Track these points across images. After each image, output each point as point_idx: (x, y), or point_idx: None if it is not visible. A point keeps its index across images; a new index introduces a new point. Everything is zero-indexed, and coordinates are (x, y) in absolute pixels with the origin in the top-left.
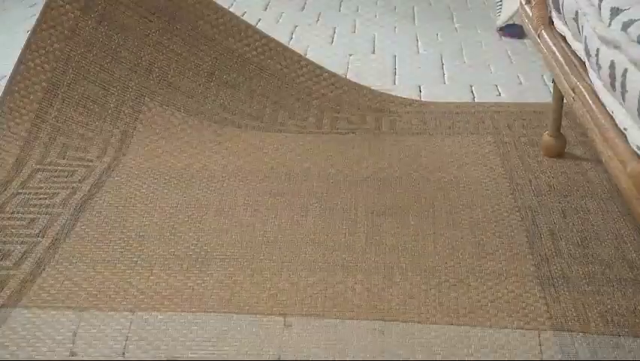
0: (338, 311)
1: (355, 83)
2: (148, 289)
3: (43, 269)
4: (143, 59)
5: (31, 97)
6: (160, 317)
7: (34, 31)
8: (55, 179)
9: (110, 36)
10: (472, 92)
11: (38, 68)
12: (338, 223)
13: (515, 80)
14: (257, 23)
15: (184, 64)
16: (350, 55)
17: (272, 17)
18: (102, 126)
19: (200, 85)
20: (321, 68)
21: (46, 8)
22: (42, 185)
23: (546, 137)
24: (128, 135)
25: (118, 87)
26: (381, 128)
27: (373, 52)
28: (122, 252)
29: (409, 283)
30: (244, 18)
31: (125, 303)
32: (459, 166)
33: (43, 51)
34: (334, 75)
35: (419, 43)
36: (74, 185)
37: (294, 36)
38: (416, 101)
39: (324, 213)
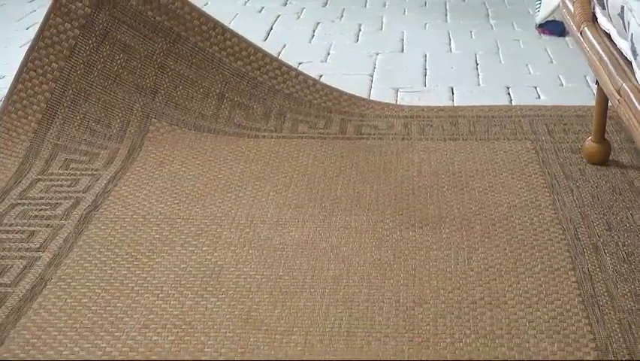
0: (363, 332)
1: (379, 101)
2: (158, 308)
3: (44, 286)
4: (147, 80)
5: (29, 117)
6: (171, 338)
7: (32, 50)
8: (57, 188)
9: (112, 56)
10: (508, 94)
11: (36, 87)
12: (364, 237)
13: (556, 81)
14: (276, 20)
15: (191, 86)
16: (377, 54)
17: (292, 13)
18: (107, 144)
19: (211, 106)
20: (338, 90)
21: (44, 26)
22: (43, 195)
23: (589, 143)
24: (136, 149)
25: (122, 108)
26: (410, 133)
27: (402, 50)
28: (129, 268)
29: (440, 302)
30: (262, 14)
31: (132, 323)
32: (495, 175)
33: (41, 70)
34: (354, 96)
35: (452, 41)
36: (78, 195)
37: (315, 33)
38: (448, 106)
39: (348, 225)
